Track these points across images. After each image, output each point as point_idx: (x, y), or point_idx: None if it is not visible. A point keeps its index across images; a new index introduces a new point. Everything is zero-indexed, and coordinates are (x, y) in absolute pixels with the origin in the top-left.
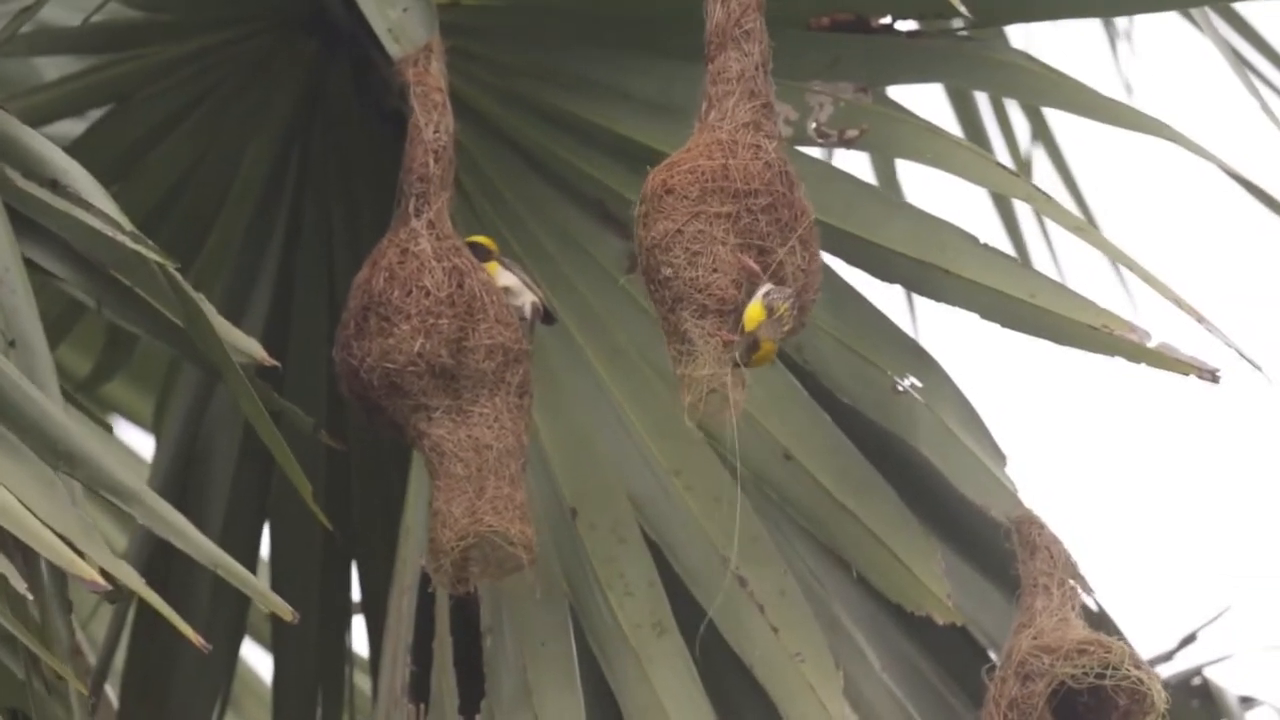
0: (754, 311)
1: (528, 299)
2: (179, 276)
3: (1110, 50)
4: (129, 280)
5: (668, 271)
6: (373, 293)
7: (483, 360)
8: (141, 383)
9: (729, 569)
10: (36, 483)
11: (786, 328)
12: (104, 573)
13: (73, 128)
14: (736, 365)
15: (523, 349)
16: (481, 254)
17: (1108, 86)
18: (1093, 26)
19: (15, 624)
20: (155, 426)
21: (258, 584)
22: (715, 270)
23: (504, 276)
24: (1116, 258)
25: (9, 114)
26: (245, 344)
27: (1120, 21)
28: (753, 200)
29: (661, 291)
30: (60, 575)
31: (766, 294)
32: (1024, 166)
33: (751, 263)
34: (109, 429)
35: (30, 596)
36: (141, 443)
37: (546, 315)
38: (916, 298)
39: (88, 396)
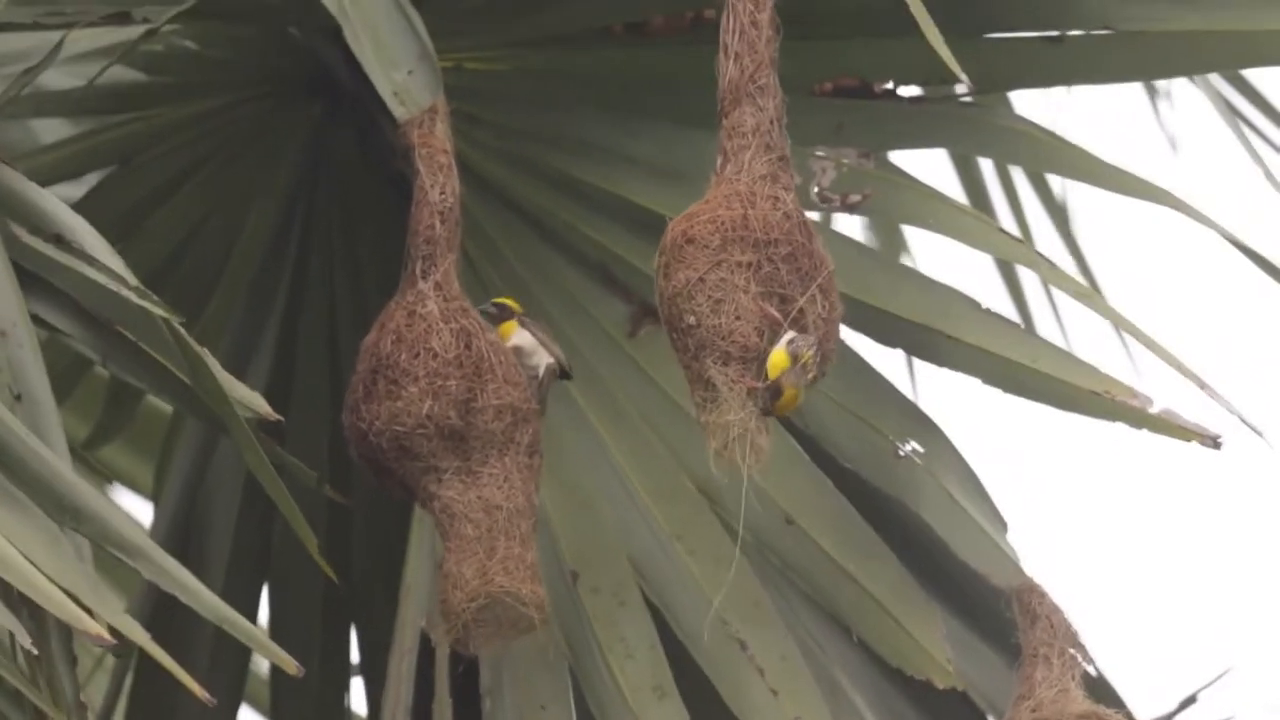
0: (777, 358)
1: (542, 359)
2: (183, 331)
3: (1151, 107)
4: (134, 335)
5: (691, 319)
6: (380, 355)
7: (491, 421)
8: (139, 449)
9: (727, 629)
10: (42, 538)
11: (810, 375)
12: (112, 629)
13: (75, 189)
14: (766, 413)
15: (531, 408)
16: (506, 315)
17: (1148, 144)
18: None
19: (23, 680)
20: (155, 489)
21: (263, 638)
22: (738, 318)
23: (519, 336)
24: (1119, 324)
25: (15, 170)
26: (249, 398)
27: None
28: (773, 250)
29: (684, 340)
30: (65, 631)
31: (790, 341)
32: (1028, 232)
33: (773, 311)
34: (108, 481)
35: (36, 652)
36: (140, 509)
37: (563, 373)
38: (917, 362)
39: (89, 459)
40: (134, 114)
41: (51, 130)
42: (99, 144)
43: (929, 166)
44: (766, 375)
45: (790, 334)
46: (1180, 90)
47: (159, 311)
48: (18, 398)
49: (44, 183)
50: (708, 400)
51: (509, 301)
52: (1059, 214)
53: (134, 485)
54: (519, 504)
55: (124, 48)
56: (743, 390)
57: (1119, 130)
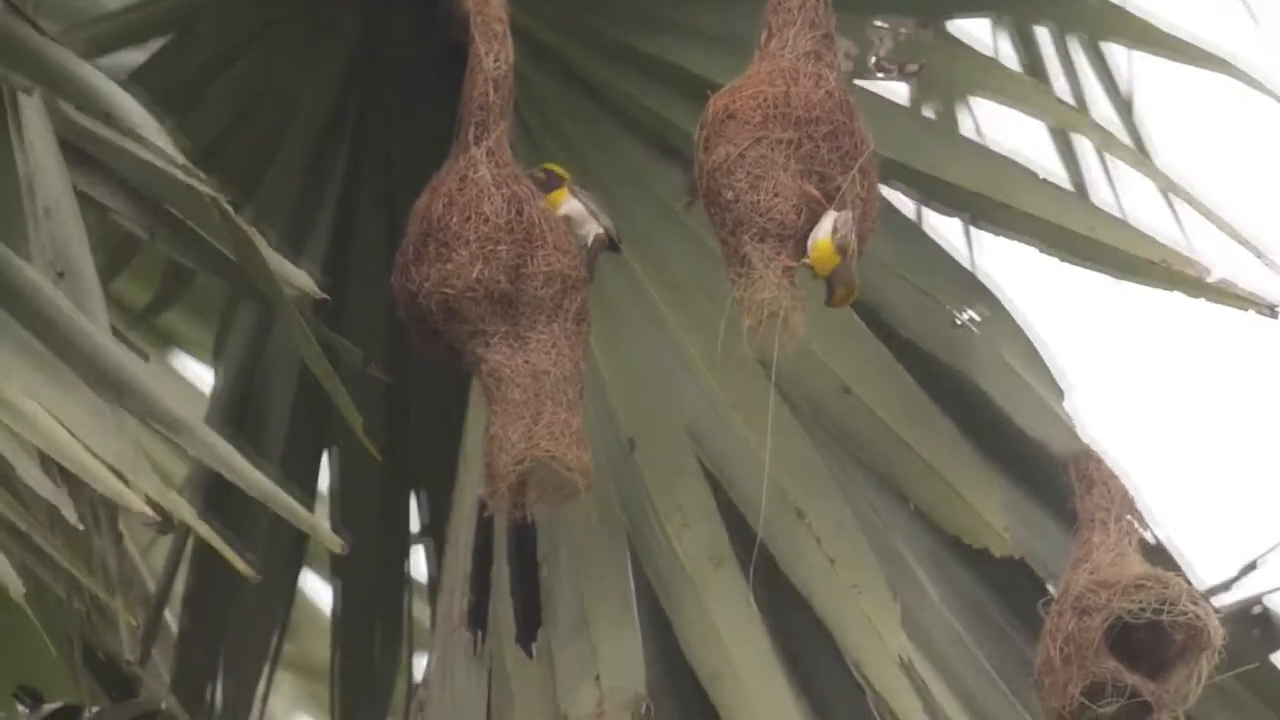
0: (825, 251)
1: (591, 228)
2: (230, 210)
3: None
4: (182, 213)
5: (729, 195)
6: (431, 219)
7: (540, 287)
8: (202, 315)
9: (785, 498)
10: (86, 413)
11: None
12: (156, 504)
13: (134, 57)
14: (832, 298)
15: (581, 276)
16: (555, 181)
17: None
18: None
19: (66, 555)
20: (215, 358)
21: (308, 516)
22: (776, 195)
23: (569, 204)
24: (1175, 192)
25: (63, 46)
26: (297, 277)
27: None
28: (814, 128)
29: (722, 215)
30: (110, 506)
31: (835, 230)
32: (1084, 102)
33: (812, 189)
34: (145, 358)
35: (81, 527)
36: (202, 375)
37: (612, 244)
38: (975, 231)
39: (147, 327)
40: None
41: None
42: (158, 11)
43: (987, 36)
44: (809, 261)
45: (832, 217)
46: None
47: (206, 190)
48: (60, 275)
49: (103, 50)
50: (743, 277)
51: (557, 168)
52: (1116, 84)
53: (196, 351)
54: (566, 370)
55: None
56: (778, 268)
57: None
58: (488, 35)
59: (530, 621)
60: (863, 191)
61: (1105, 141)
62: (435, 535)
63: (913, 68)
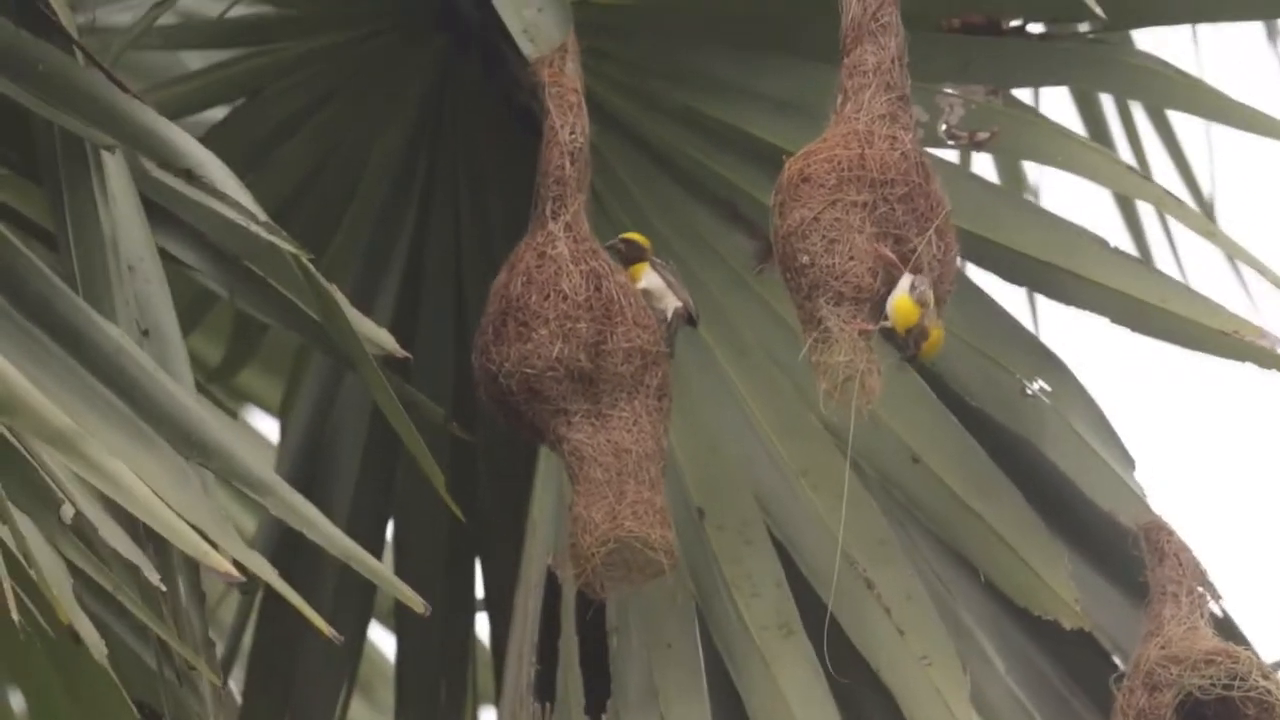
0: (905, 307)
1: (670, 303)
2: (311, 267)
3: (1271, 46)
4: (262, 270)
5: (804, 259)
6: (510, 297)
7: (621, 363)
8: (273, 371)
9: (854, 567)
10: (170, 473)
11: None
12: (236, 563)
13: (205, 120)
14: (911, 360)
15: (661, 351)
16: (636, 252)
17: (1264, 84)
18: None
19: (150, 615)
20: (282, 416)
21: (390, 575)
22: (852, 258)
23: (649, 278)
24: (1246, 261)
25: (145, 104)
26: (376, 335)
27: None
28: (889, 190)
29: (798, 279)
30: (192, 566)
31: (913, 287)
32: (1147, 170)
33: (888, 252)
34: (234, 415)
35: (164, 588)
36: (274, 430)
37: (690, 318)
38: (1040, 299)
39: (219, 385)
40: (263, 46)
41: (184, 61)
42: (229, 76)
43: (1047, 103)
44: (890, 322)
45: (909, 278)
46: None
47: (288, 247)
48: (145, 333)
49: (175, 114)
50: (819, 341)
51: (639, 238)
52: (1179, 152)
53: (267, 406)
54: (648, 448)
55: None
56: (854, 331)
57: (1236, 70)
58: (563, 107)
59: (599, 692)
60: (939, 253)
61: (1177, 211)
62: (498, 601)
63: (983, 135)
